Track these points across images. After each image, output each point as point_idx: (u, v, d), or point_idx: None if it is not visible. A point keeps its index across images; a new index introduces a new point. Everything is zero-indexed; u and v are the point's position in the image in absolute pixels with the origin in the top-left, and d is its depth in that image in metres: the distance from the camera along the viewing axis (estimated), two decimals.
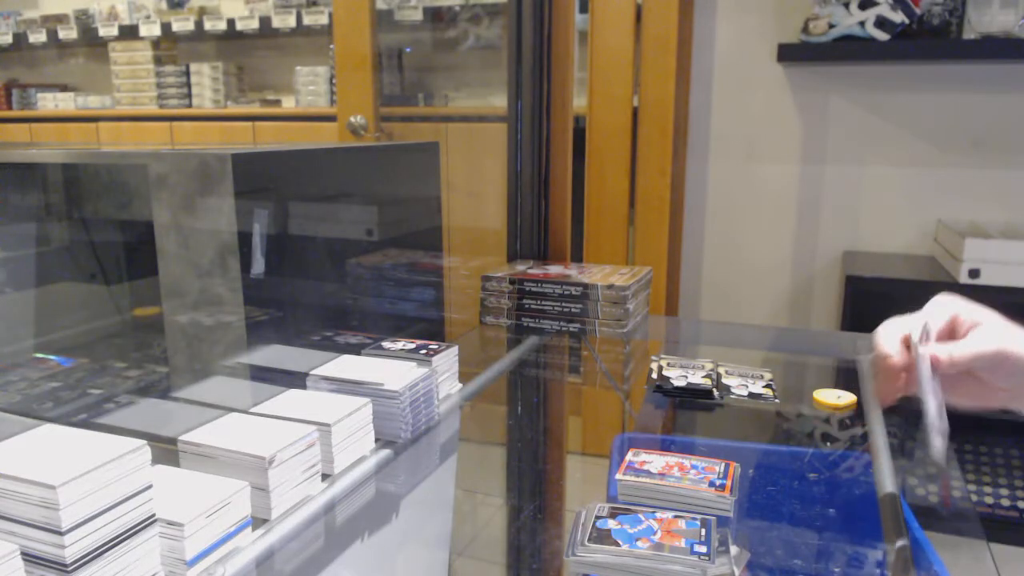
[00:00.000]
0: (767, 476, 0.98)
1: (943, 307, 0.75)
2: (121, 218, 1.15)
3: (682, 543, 0.71)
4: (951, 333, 0.73)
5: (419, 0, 2.96)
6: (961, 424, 0.78)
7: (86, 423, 0.93)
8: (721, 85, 2.38)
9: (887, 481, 0.90)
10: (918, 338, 0.71)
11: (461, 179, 2.65)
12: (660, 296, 2.36)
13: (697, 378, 1.17)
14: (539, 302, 1.45)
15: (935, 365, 0.70)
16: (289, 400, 0.89)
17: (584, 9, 2.37)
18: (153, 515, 0.61)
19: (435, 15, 3.02)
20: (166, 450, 0.75)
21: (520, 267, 1.58)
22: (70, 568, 0.55)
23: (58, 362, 1.12)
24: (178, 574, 0.63)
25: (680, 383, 1.16)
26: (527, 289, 1.45)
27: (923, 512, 0.99)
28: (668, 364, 1.24)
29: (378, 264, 1.22)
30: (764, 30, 2.29)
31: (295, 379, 0.94)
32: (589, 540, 0.72)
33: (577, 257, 2.22)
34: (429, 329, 1.36)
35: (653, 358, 1.27)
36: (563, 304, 1.43)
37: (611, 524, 0.74)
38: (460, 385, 1.09)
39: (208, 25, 3.49)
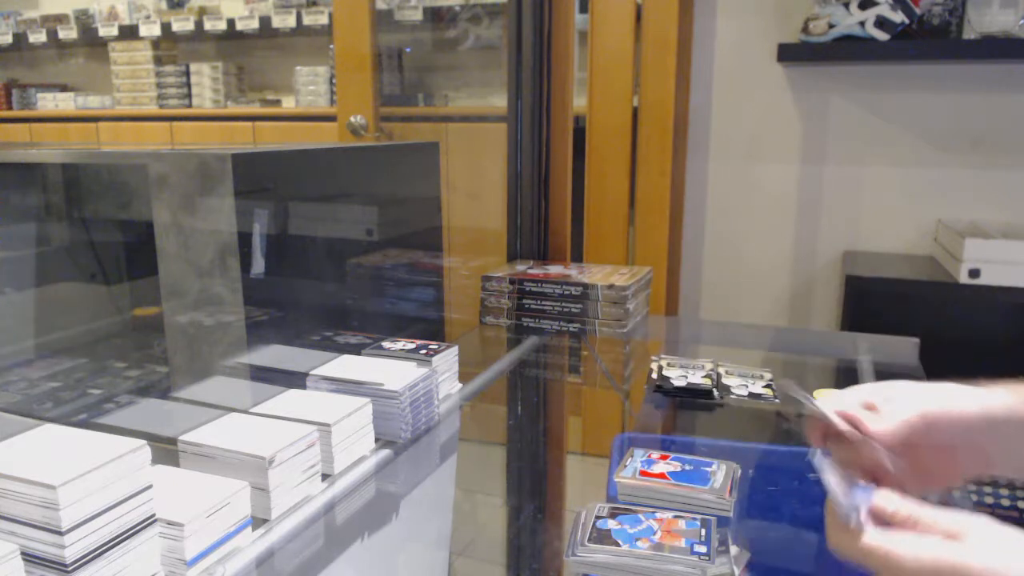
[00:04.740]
0: (767, 476, 0.98)
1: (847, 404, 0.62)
2: (121, 218, 1.15)
3: (682, 543, 0.71)
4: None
5: (419, 0, 2.96)
6: None
7: (86, 423, 0.93)
8: (721, 85, 2.38)
9: None
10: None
11: (461, 179, 2.65)
12: (660, 296, 2.35)
13: (697, 378, 1.17)
14: (539, 302, 1.45)
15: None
16: (289, 400, 0.89)
17: (584, 9, 2.37)
18: (153, 515, 0.61)
19: (435, 15, 3.02)
20: (166, 450, 0.75)
21: (520, 267, 1.58)
22: (70, 568, 0.55)
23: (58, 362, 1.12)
24: (178, 574, 0.63)
25: (680, 383, 1.16)
26: (527, 289, 1.45)
27: None
28: (668, 364, 1.24)
29: (378, 264, 1.22)
30: (764, 30, 2.28)
31: (295, 379, 0.94)
32: (589, 540, 0.72)
33: (577, 257, 2.22)
34: (429, 329, 1.36)
35: (653, 358, 1.27)
36: (563, 304, 1.43)
37: (611, 524, 0.74)
38: (460, 385, 1.09)
39: (208, 25, 3.49)
